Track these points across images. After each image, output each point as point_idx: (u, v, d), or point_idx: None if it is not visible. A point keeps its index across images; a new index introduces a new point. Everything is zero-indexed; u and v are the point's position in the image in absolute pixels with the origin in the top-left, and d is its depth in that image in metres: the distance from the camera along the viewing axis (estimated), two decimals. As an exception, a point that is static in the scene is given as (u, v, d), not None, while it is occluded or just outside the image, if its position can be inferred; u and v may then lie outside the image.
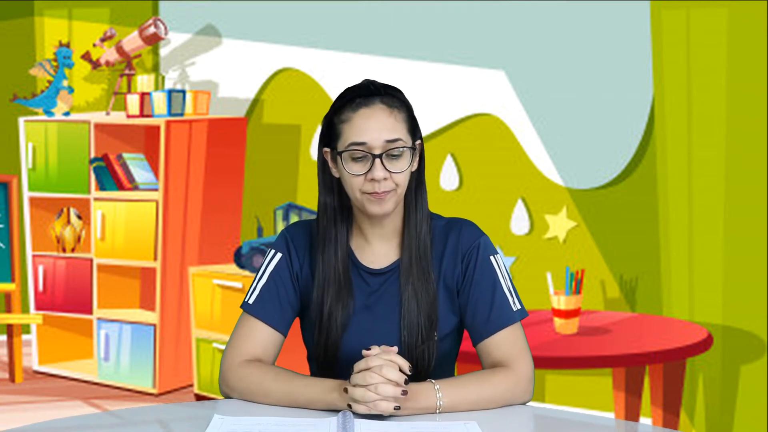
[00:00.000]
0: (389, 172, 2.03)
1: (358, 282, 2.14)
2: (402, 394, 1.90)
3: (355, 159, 2.04)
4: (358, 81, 2.15)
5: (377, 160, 2.03)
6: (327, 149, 2.11)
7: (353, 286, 2.13)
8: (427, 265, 2.11)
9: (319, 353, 2.14)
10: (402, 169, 2.05)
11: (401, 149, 2.05)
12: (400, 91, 2.12)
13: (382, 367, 1.90)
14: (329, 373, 2.13)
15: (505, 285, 2.13)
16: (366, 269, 2.14)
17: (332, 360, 2.14)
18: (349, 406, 1.92)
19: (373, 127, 2.04)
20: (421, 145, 2.14)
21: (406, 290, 2.10)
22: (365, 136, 2.03)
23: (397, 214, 2.14)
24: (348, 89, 2.11)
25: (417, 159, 2.13)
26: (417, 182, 2.14)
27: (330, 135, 2.10)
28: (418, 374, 2.08)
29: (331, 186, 2.14)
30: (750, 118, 4.14)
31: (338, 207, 2.14)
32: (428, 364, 2.10)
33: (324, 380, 2.01)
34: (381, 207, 2.06)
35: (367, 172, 2.03)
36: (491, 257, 2.14)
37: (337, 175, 2.11)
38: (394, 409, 1.90)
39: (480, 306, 2.12)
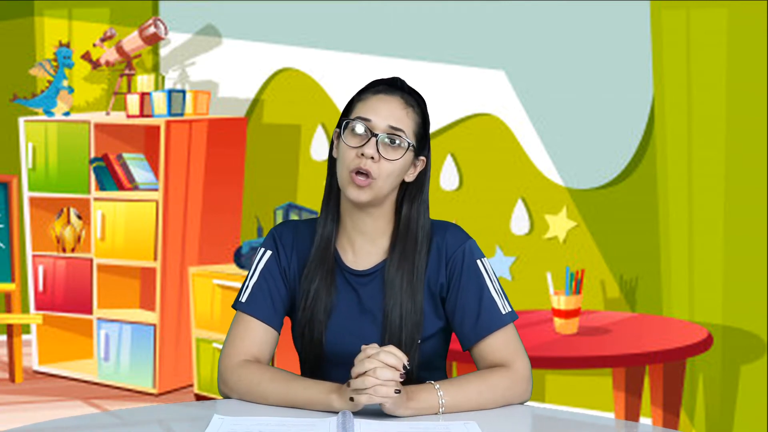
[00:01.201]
0: (380, 155, 2.06)
1: (340, 280, 2.14)
2: (400, 378, 1.90)
3: (354, 133, 2.08)
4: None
5: (373, 139, 2.06)
6: (338, 129, 2.14)
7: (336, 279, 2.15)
8: (416, 282, 2.11)
9: (303, 336, 2.14)
10: (393, 158, 2.07)
11: (401, 141, 2.08)
12: (423, 101, 2.16)
13: (380, 353, 1.90)
14: (316, 373, 2.14)
15: (493, 289, 2.12)
16: (347, 269, 2.14)
17: (318, 355, 2.14)
18: (351, 400, 1.91)
19: (384, 111, 2.09)
20: (426, 163, 2.15)
21: (390, 301, 2.10)
22: (372, 114, 2.08)
23: (383, 218, 2.14)
24: (377, 79, 2.17)
25: (415, 170, 2.14)
26: (418, 199, 2.14)
27: (345, 114, 2.14)
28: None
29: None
30: (750, 118, 4.14)
31: (337, 190, 2.16)
32: (412, 367, 2.09)
33: (322, 382, 2.01)
34: (357, 194, 2.07)
35: (361, 147, 2.06)
36: (477, 261, 2.13)
37: (336, 155, 2.13)
38: (395, 392, 1.90)
39: (468, 312, 2.11)
